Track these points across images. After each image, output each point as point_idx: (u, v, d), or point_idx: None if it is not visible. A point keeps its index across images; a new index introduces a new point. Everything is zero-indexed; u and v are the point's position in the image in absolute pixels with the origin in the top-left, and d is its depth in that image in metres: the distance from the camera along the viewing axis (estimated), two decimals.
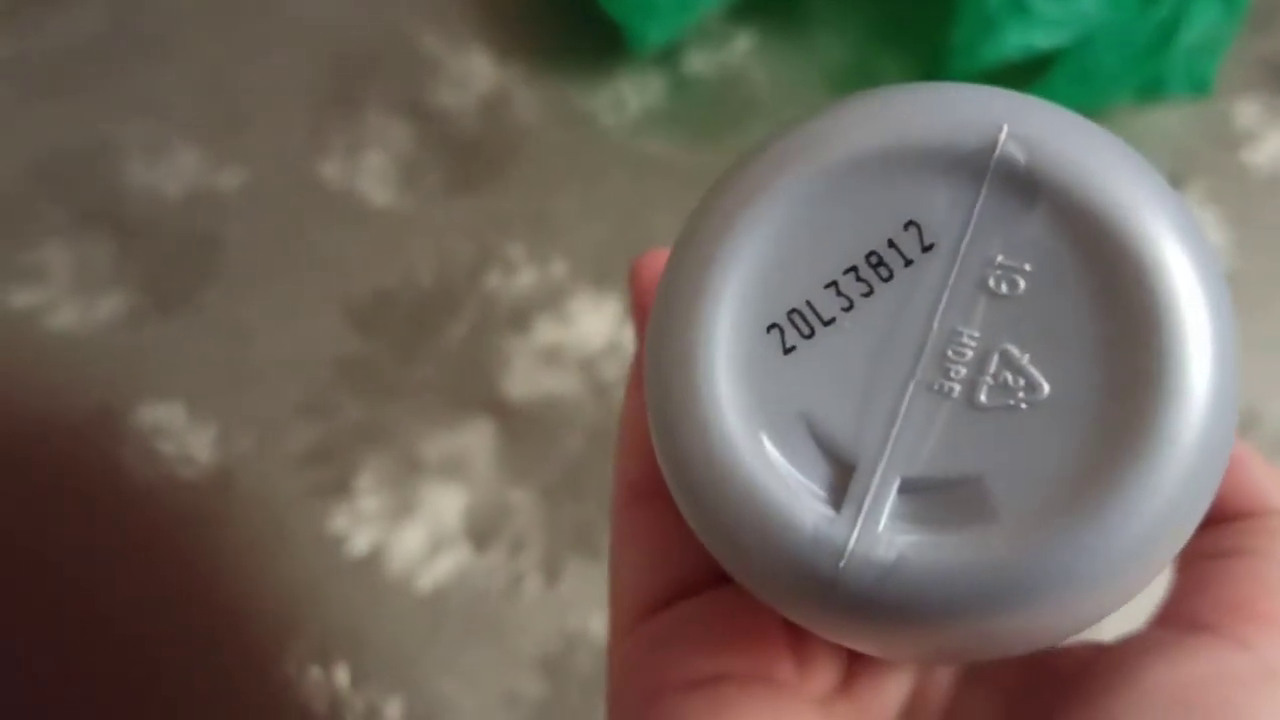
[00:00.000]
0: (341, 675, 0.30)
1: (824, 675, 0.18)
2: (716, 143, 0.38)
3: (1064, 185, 0.14)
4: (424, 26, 0.41)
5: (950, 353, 0.14)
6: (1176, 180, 0.38)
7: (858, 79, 0.40)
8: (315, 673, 0.30)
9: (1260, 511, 0.18)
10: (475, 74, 0.40)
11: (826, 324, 0.14)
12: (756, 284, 0.14)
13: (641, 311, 0.21)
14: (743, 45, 0.41)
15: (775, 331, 0.14)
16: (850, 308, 0.14)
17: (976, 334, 0.14)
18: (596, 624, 0.31)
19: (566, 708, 0.30)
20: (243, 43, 0.40)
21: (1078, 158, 0.14)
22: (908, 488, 0.14)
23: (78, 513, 0.32)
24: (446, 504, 0.32)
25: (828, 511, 0.14)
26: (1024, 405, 0.14)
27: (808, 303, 0.14)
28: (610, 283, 0.36)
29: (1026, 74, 0.36)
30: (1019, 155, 0.14)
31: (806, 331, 0.14)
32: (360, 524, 0.32)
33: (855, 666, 0.18)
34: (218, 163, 0.38)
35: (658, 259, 0.21)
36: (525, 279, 0.36)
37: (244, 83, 0.40)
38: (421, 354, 0.34)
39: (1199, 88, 0.38)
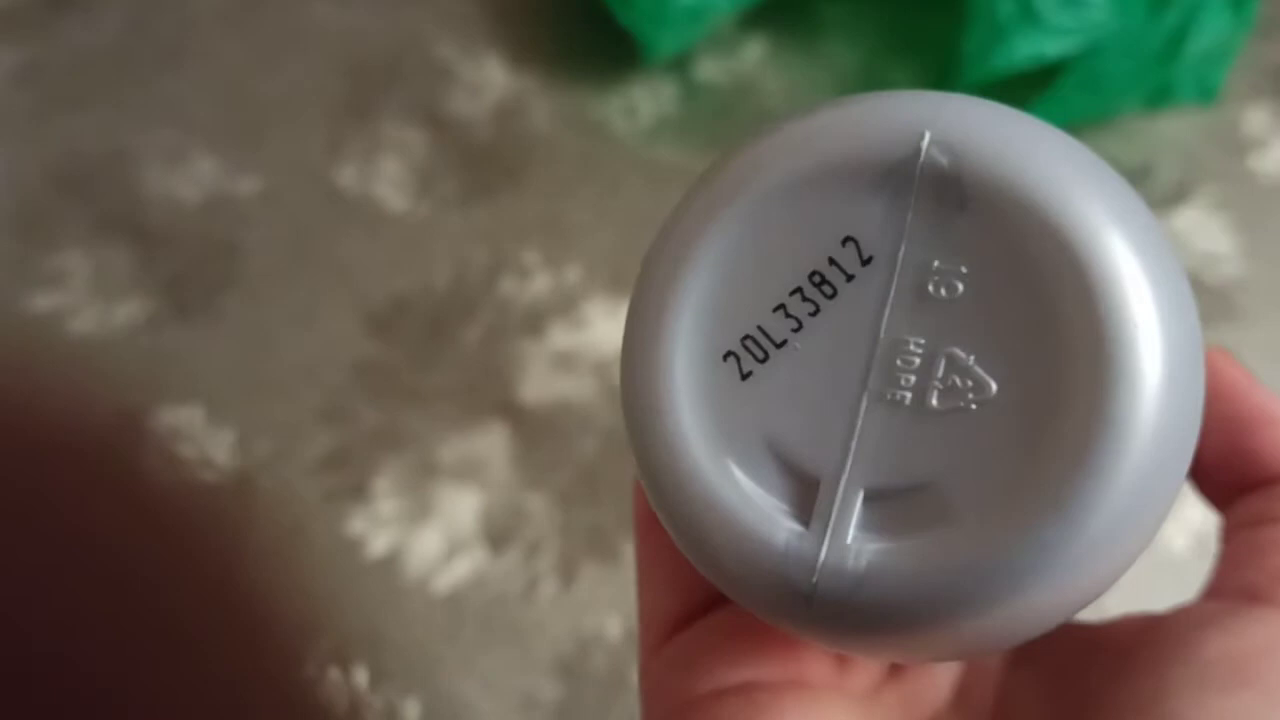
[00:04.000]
0: (360, 676, 0.30)
1: (866, 669, 0.18)
2: None
3: (989, 183, 0.14)
4: (439, 35, 0.41)
5: (899, 361, 0.14)
6: (1184, 187, 0.38)
7: (867, 87, 0.40)
8: (334, 674, 0.30)
9: None
10: (490, 82, 0.40)
11: (779, 346, 0.14)
12: (708, 316, 0.15)
13: None
14: (754, 53, 0.41)
15: (731, 359, 0.15)
16: (799, 328, 0.14)
17: (922, 340, 0.14)
18: (612, 626, 0.31)
19: (583, 709, 0.30)
20: (260, 51, 0.41)
21: (1001, 154, 0.14)
22: (872, 497, 0.14)
23: (99, 514, 0.33)
24: (463, 507, 0.32)
25: (798, 528, 0.14)
26: (974, 406, 0.14)
27: (759, 328, 0.15)
28: (624, 288, 0.36)
29: (1036, 82, 0.36)
30: (943, 159, 0.14)
31: (761, 356, 0.15)
32: (378, 527, 0.32)
33: None
34: (235, 170, 0.38)
35: None
36: (540, 284, 0.36)
37: (261, 91, 0.40)
38: (437, 359, 0.35)
39: (1207, 95, 0.38)
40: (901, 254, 0.14)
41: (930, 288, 0.14)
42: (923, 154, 0.14)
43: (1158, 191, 0.38)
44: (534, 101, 0.40)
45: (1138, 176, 0.38)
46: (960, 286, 0.14)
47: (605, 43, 0.40)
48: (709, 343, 0.15)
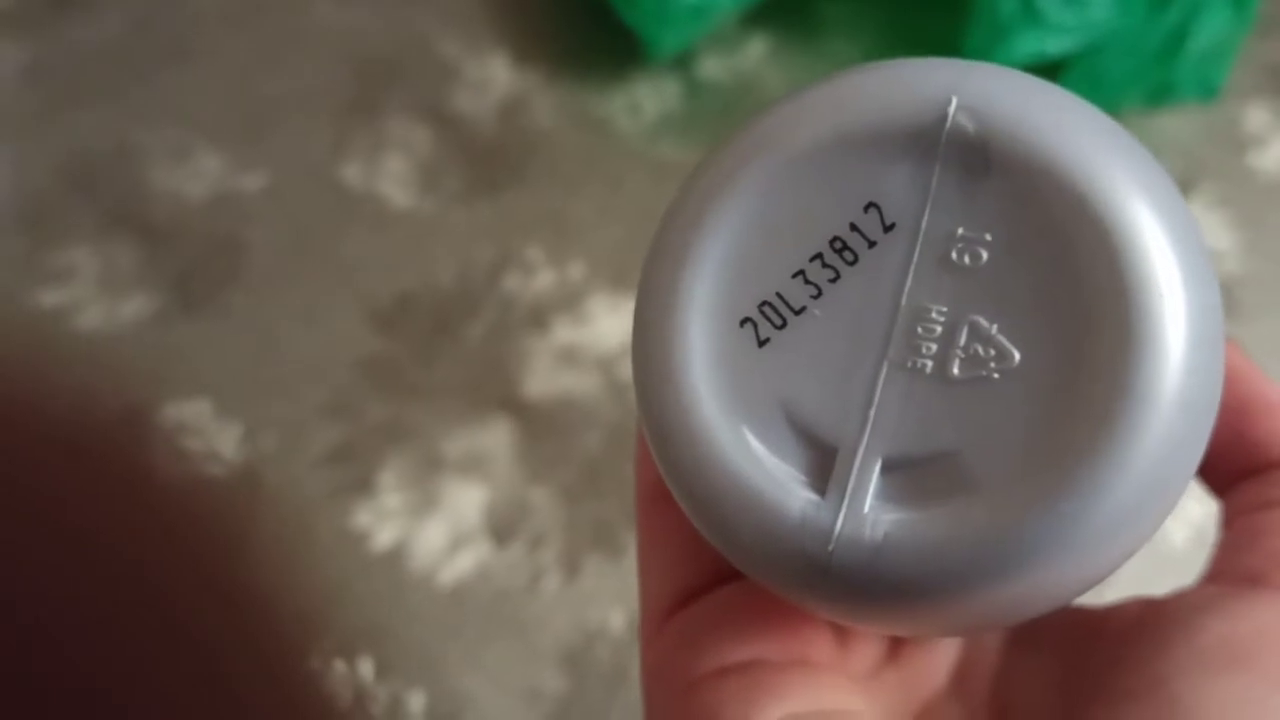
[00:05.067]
0: (365, 668, 0.30)
1: (867, 649, 0.18)
2: None
3: (1015, 150, 0.13)
4: (444, 33, 0.41)
5: (920, 329, 0.14)
6: (1185, 184, 0.38)
7: None
8: (339, 666, 0.31)
9: None
10: (494, 79, 0.40)
11: (797, 313, 0.14)
12: (726, 281, 0.14)
13: None
14: (756, 51, 0.41)
15: (749, 325, 0.14)
16: (819, 295, 0.14)
17: (944, 308, 0.14)
18: (616, 619, 0.31)
19: (587, 702, 0.30)
20: (265, 48, 0.41)
21: (1027, 121, 0.13)
22: (890, 467, 0.14)
23: (106, 508, 0.33)
24: (467, 501, 0.33)
25: (814, 497, 0.14)
26: (996, 375, 0.13)
27: (777, 294, 0.14)
28: (627, 284, 0.36)
29: None
30: (969, 125, 0.14)
31: (779, 322, 0.14)
32: (383, 521, 0.32)
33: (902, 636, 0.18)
34: (240, 167, 0.39)
35: None
36: (543, 280, 0.36)
37: (266, 88, 0.40)
38: (442, 354, 0.35)
39: (1208, 93, 0.39)
40: (925, 221, 0.14)
41: (954, 255, 0.14)
42: (949, 120, 0.14)
43: None
44: (537, 99, 0.40)
45: None
46: (984, 254, 0.14)
47: (608, 40, 0.40)
48: (725, 308, 0.14)
